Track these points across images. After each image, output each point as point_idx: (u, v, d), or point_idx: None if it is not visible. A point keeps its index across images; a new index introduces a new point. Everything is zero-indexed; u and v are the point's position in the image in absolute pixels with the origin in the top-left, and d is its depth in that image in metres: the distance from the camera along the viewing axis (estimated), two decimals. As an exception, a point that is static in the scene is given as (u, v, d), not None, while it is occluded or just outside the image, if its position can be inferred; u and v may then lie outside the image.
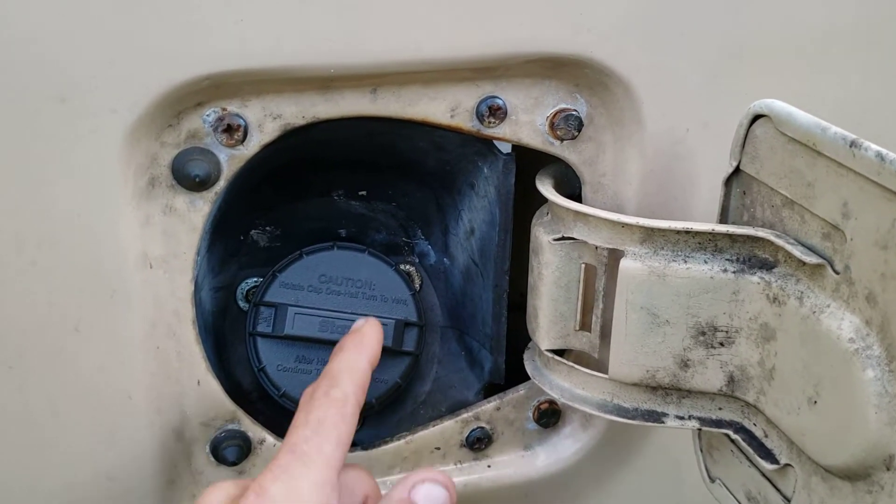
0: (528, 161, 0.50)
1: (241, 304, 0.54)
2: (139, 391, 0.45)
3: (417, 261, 0.57)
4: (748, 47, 0.45)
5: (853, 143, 0.36)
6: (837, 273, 0.38)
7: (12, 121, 0.37)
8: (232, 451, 0.48)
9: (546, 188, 0.47)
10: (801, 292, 0.40)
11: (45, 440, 0.45)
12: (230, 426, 0.48)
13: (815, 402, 0.39)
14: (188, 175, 0.42)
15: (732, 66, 0.46)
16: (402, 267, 0.55)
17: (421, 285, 0.56)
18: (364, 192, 0.56)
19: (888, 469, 0.36)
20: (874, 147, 0.35)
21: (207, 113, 0.42)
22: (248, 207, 0.54)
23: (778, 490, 0.44)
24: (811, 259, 0.39)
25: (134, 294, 0.43)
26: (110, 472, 0.46)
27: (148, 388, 0.45)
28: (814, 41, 0.47)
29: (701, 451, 0.49)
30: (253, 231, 0.55)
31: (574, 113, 0.45)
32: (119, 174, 0.40)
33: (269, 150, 0.44)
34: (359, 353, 0.43)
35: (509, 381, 0.54)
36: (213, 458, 0.49)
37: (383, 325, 0.50)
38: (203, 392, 0.47)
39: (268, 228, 0.55)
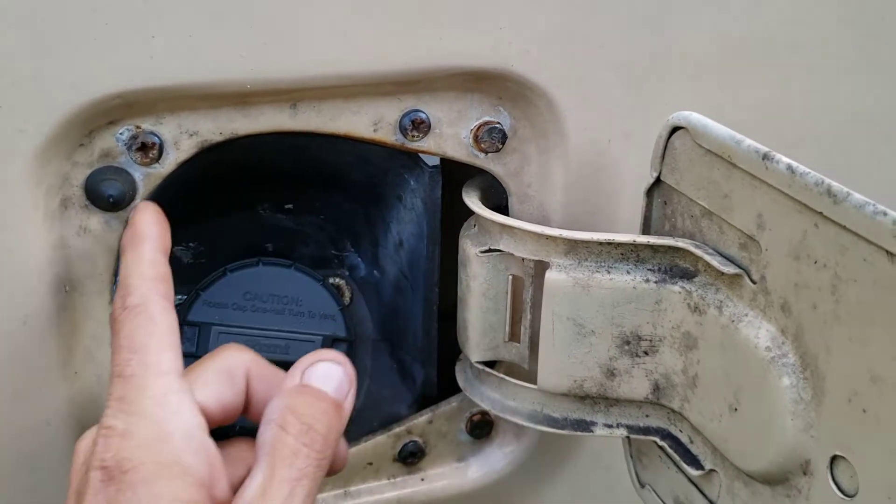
0: (459, 172, 0.50)
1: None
2: (58, 418, 0.44)
3: (347, 274, 0.56)
4: (668, 59, 0.46)
5: (766, 156, 0.36)
6: (754, 283, 0.39)
7: None
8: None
9: (472, 200, 0.47)
10: (721, 301, 0.41)
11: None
12: (155, 449, 0.47)
13: (736, 409, 0.40)
14: (102, 195, 0.41)
15: (654, 77, 0.46)
16: (331, 280, 0.54)
17: (351, 298, 0.56)
18: (291, 206, 0.55)
19: (805, 473, 0.37)
20: (785, 160, 0.36)
21: (121, 131, 0.40)
22: (169, 223, 0.52)
23: (703, 494, 0.44)
24: (729, 269, 0.40)
25: (49, 319, 0.41)
26: (31, 502, 0.45)
27: (67, 414, 0.44)
28: (733, 52, 0.47)
29: (631, 457, 0.50)
30: (176, 248, 0.54)
31: (497, 126, 0.45)
32: (29, 196, 0.39)
33: (189, 164, 0.43)
34: (137, 247, 0.39)
35: (444, 393, 0.54)
36: (137, 483, 0.47)
37: (311, 341, 0.49)
38: (125, 416, 0.46)
39: (191, 245, 0.54)
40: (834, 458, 0.35)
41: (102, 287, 0.43)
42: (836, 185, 0.33)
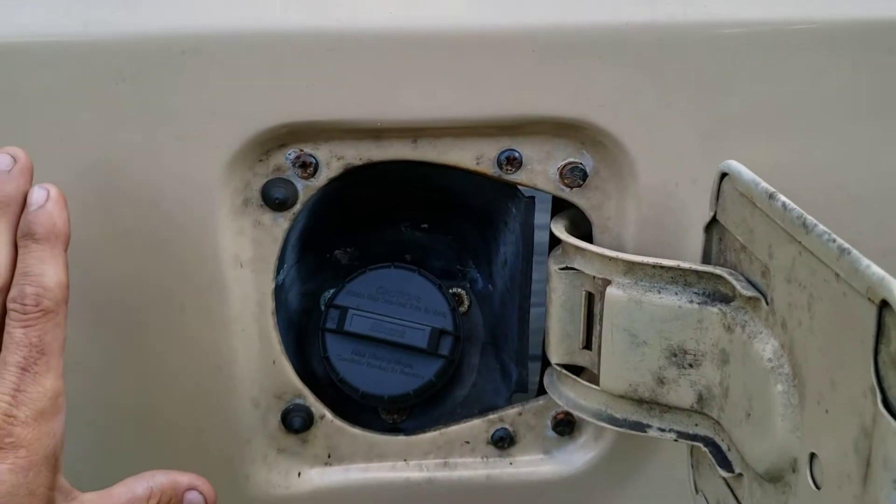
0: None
1: (322, 308, 0.66)
2: (227, 364, 0.57)
3: (468, 286, 0.67)
4: (734, 116, 0.53)
5: (771, 196, 0.43)
6: (768, 305, 0.45)
7: (145, 153, 0.52)
8: (297, 421, 0.60)
9: (557, 226, 0.56)
10: (745, 322, 0.47)
11: (153, 399, 0.58)
12: (297, 401, 0.60)
13: (749, 414, 0.46)
14: (272, 198, 0.55)
15: (717, 130, 0.53)
16: (453, 290, 0.65)
17: (469, 305, 0.67)
18: (426, 225, 0.67)
19: (794, 471, 0.42)
20: (782, 198, 0.42)
21: (289, 152, 0.54)
22: (334, 231, 0.67)
23: (735, 497, 0.50)
24: (749, 293, 0.46)
25: (227, 286, 0.55)
26: (202, 427, 0.59)
27: (233, 362, 0.57)
28: (797, 113, 0.54)
29: (692, 466, 0.56)
30: (337, 251, 0.68)
31: (580, 166, 0.55)
32: (220, 195, 0.53)
33: (353, 185, 0.56)
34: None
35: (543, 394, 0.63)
36: (282, 426, 0.60)
37: (422, 330, 0.60)
38: (277, 370, 0.58)
39: (349, 249, 0.68)
40: (812, 455, 0.41)
41: (268, 268, 0.56)
42: (809, 219, 0.40)
